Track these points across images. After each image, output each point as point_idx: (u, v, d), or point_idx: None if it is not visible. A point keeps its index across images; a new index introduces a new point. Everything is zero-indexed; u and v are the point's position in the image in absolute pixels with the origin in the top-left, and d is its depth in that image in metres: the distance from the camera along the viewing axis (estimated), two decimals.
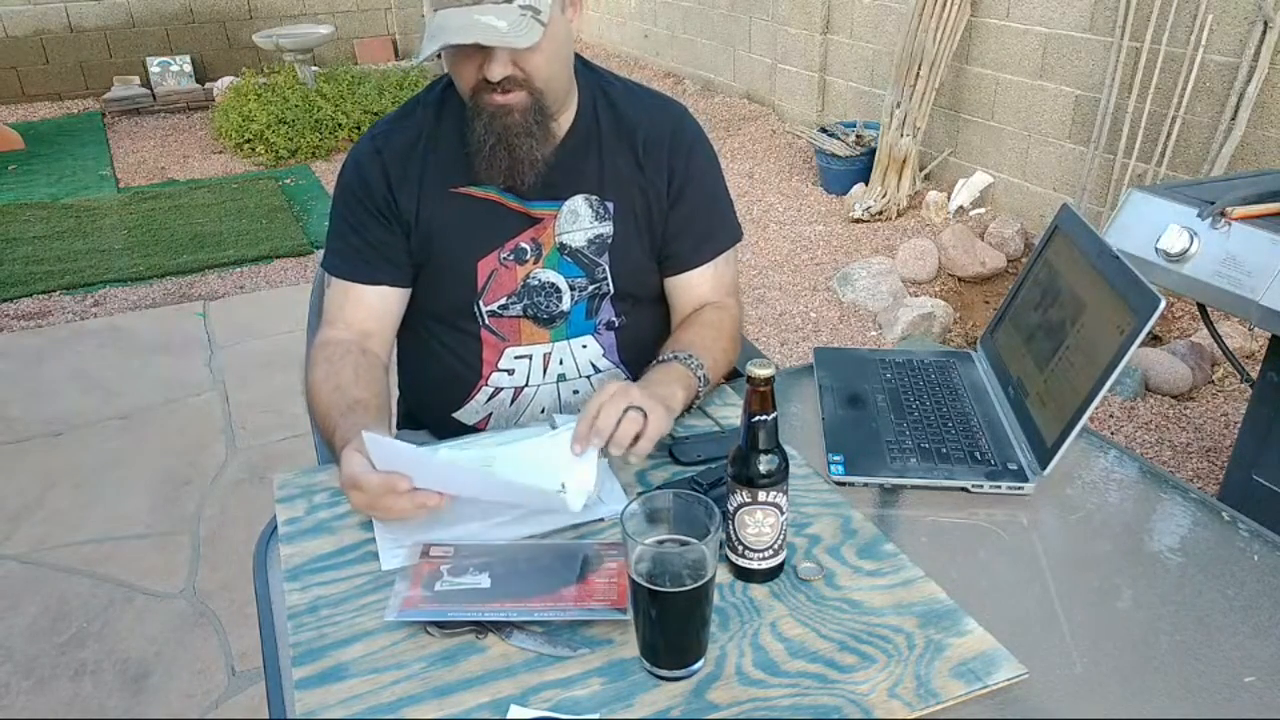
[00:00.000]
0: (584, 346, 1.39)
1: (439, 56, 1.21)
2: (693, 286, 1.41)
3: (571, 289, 1.35)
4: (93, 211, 4.71)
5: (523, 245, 1.32)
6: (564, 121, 1.31)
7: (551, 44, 1.17)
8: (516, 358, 1.37)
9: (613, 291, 1.37)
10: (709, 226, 1.41)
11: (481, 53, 1.16)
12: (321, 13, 6.97)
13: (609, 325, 1.40)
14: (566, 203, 1.32)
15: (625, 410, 1.08)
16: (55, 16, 6.37)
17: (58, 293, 3.87)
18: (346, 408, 1.18)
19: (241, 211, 4.70)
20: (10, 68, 6.36)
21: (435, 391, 1.42)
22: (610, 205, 1.34)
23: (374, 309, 1.34)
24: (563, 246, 1.33)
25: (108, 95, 6.35)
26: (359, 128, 5.62)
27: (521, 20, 1.12)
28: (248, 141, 5.52)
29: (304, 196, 4.95)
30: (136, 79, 6.54)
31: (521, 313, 1.35)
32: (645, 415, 1.09)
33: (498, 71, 1.16)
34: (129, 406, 3.05)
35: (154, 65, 6.52)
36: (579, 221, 1.33)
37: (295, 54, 6.05)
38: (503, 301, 1.34)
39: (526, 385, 1.38)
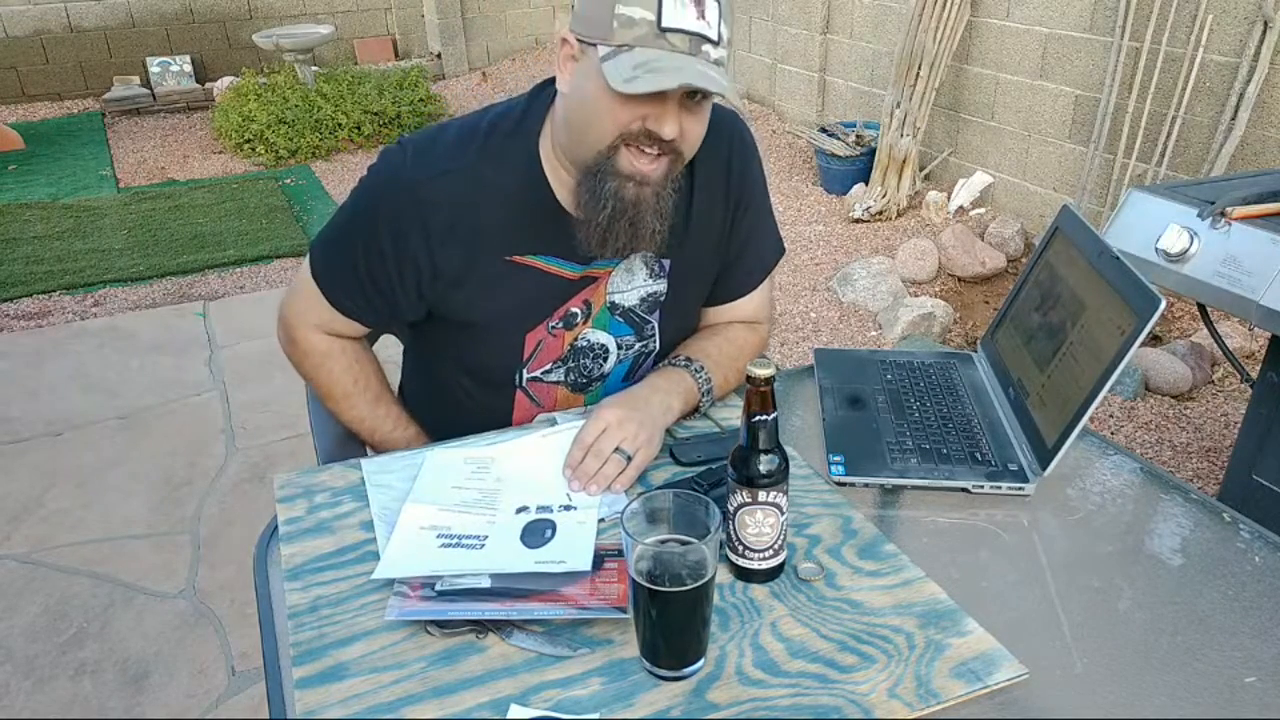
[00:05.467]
0: None
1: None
2: (734, 309, 1.38)
3: (619, 348, 1.31)
4: (93, 211, 4.71)
5: (573, 310, 1.27)
6: None
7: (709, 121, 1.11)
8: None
9: (658, 350, 1.34)
10: (761, 247, 1.38)
11: (653, 105, 1.06)
12: (321, 13, 6.96)
13: None
14: (624, 261, 1.26)
15: (614, 449, 1.11)
16: (55, 16, 6.36)
17: (58, 293, 3.86)
18: (400, 413, 1.36)
19: (241, 211, 4.69)
20: (10, 68, 6.35)
21: (454, 435, 1.35)
22: (667, 264, 1.29)
23: (351, 331, 1.32)
24: (613, 306, 1.28)
25: (108, 95, 6.34)
26: (359, 128, 5.62)
27: (724, 75, 1.06)
28: (248, 141, 5.51)
29: (304, 196, 4.95)
30: (136, 79, 6.53)
31: (562, 378, 1.31)
32: (630, 458, 1.12)
33: (672, 129, 1.06)
34: (129, 406, 3.05)
35: (154, 65, 6.52)
36: (633, 280, 1.28)
37: (295, 54, 6.05)
38: (547, 368, 1.30)
39: None
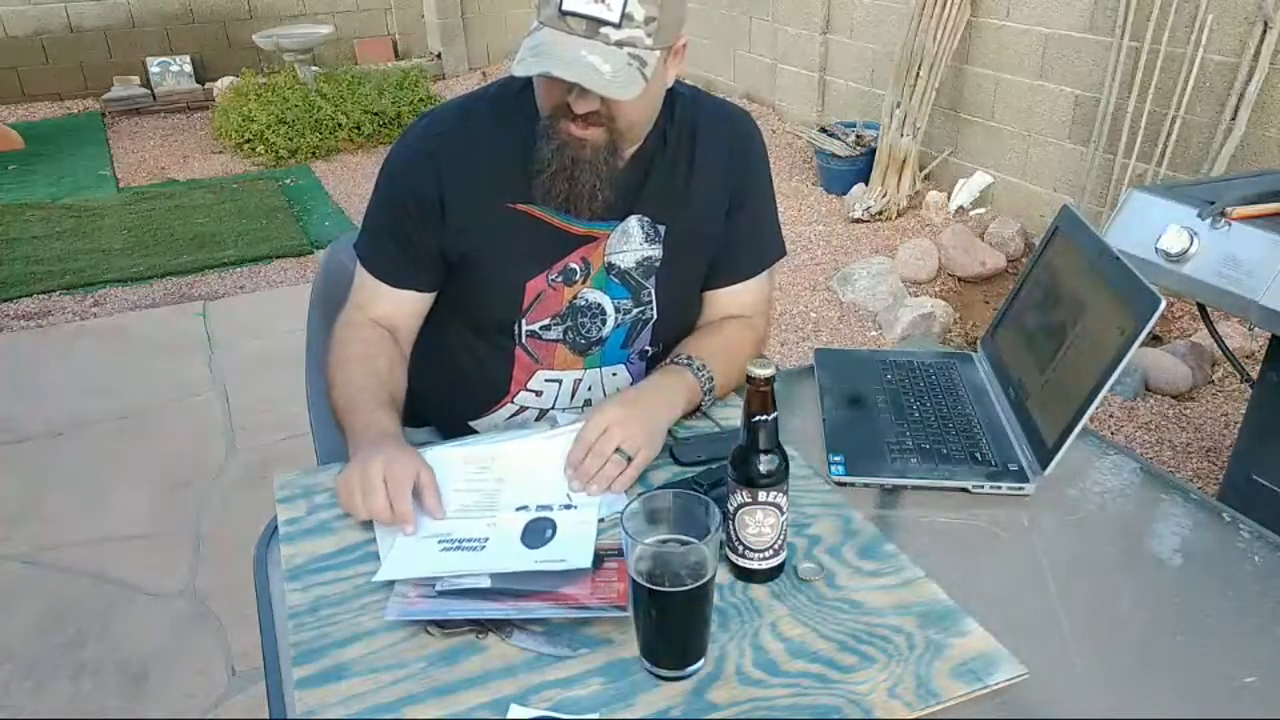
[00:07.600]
0: (614, 374, 1.38)
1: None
2: (731, 298, 1.40)
3: (616, 311, 1.33)
4: (93, 211, 4.71)
5: (572, 266, 1.30)
6: (630, 153, 1.26)
7: (646, 95, 1.13)
8: (547, 380, 1.36)
9: (655, 318, 1.35)
10: (759, 241, 1.40)
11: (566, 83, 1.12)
12: (321, 13, 6.96)
13: (642, 355, 1.39)
14: (621, 223, 1.29)
15: (614, 450, 1.12)
16: (55, 16, 6.36)
17: (58, 293, 3.86)
18: (388, 399, 1.23)
19: (241, 211, 4.69)
20: (10, 68, 6.35)
21: (456, 397, 1.40)
22: (662, 229, 1.31)
23: (402, 309, 1.34)
24: (610, 266, 1.31)
25: (108, 95, 6.33)
26: (359, 128, 5.62)
27: (626, 69, 1.09)
28: (248, 141, 5.51)
29: (304, 197, 4.95)
30: (136, 79, 6.53)
31: (560, 337, 1.33)
32: (630, 459, 1.12)
33: (584, 107, 1.13)
34: (129, 406, 3.04)
35: (154, 65, 6.51)
36: (630, 242, 1.30)
37: (295, 54, 6.04)
38: (545, 322, 1.32)
39: (552, 408, 1.37)
